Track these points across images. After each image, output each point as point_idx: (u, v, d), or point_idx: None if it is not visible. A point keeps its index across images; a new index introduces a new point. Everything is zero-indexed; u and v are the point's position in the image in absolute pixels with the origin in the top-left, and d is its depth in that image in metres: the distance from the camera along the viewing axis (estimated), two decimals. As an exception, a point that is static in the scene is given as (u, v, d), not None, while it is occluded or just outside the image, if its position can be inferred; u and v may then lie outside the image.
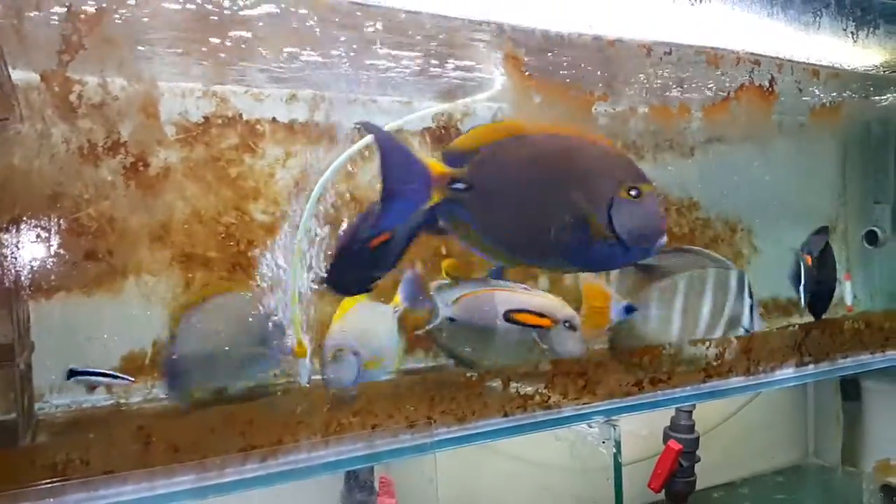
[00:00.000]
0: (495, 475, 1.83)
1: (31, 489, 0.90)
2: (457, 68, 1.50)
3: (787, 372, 1.56)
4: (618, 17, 1.36)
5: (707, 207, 2.06)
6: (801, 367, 1.58)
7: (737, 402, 2.25)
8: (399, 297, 1.39)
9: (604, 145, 1.18)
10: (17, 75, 1.18)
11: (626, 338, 1.50)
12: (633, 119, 1.74)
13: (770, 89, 1.63)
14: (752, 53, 1.56)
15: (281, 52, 1.33)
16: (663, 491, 1.88)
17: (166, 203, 1.41)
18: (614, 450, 1.31)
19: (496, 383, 1.27)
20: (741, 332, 1.54)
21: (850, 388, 2.39)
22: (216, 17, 1.18)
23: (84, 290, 1.36)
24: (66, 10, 1.08)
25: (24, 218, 1.19)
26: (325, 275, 1.34)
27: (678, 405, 1.84)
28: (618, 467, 1.33)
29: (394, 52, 1.39)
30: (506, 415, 1.22)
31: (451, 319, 1.41)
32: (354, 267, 1.28)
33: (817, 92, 1.91)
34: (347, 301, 1.32)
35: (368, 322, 1.31)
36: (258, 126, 1.51)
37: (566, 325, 1.38)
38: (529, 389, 1.26)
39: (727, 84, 1.65)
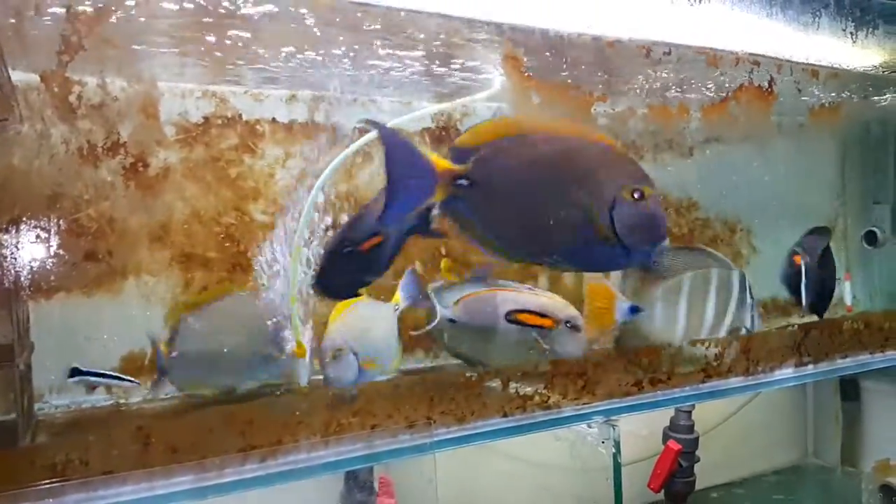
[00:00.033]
0: (495, 475, 1.83)
1: (30, 489, 0.90)
2: (456, 68, 1.50)
3: (787, 372, 1.56)
4: (617, 18, 1.36)
5: (706, 208, 2.06)
6: (801, 368, 1.58)
7: (736, 402, 2.25)
8: (399, 296, 1.39)
9: (608, 146, 1.18)
10: (17, 76, 1.18)
11: (631, 338, 1.50)
12: (633, 119, 1.74)
13: (769, 89, 1.63)
14: (751, 54, 1.56)
15: (280, 52, 1.33)
16: (663, 491, 1.88)
17: (166, 203, 1.41)
18: (614, 450, 1.31)
19: (495, 384, 1.27)
20: (742, 331, 1.54)
21: (850, 389, 2.39)
22: (215, 17, 1.18)
23: (84, 290, 1.36)
24: (65, 10, 1.08)
25: (24, 218, 1.19)
26: (315, 278, 1.32)
27: (677, 405, 1.84)
28: (617, 467, 1.33)
29: (393, 53, 1.39)
30: (505, 415, 1.22)
31: (452, 321, 1.41)
32: (345, 270, 1.28)
33: (816, 92, 1.91)
34: (344, 301, 1.31)
35: (368, 321, 1.31)
36: (258, 126, 1.52)
37: (568, 325, 1.38)
38: (529, 390, 1.26)
39: (726, 84, 1.66)
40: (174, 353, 1.26)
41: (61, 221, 1.26)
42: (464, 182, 1.14)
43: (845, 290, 2.26)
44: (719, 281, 1.52)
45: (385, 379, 1.30)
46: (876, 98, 2.11)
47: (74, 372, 1.25)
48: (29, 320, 1.25)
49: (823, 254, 1.78)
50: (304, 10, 1.18)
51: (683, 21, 1.42)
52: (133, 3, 1.11)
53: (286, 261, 1.38)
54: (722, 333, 1.51)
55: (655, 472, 1.86)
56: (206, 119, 1.46)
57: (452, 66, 1.49)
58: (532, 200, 1.15)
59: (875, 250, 2.36)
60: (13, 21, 1.09)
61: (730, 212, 2.11)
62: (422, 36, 1.32)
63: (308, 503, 1.49)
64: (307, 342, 1.33)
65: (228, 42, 1.27)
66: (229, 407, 1.12)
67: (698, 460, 1.89)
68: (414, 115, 1.67)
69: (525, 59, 1.37)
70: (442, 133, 1.69)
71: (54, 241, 1.24)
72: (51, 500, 0.90)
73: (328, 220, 1.41)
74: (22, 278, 1.18)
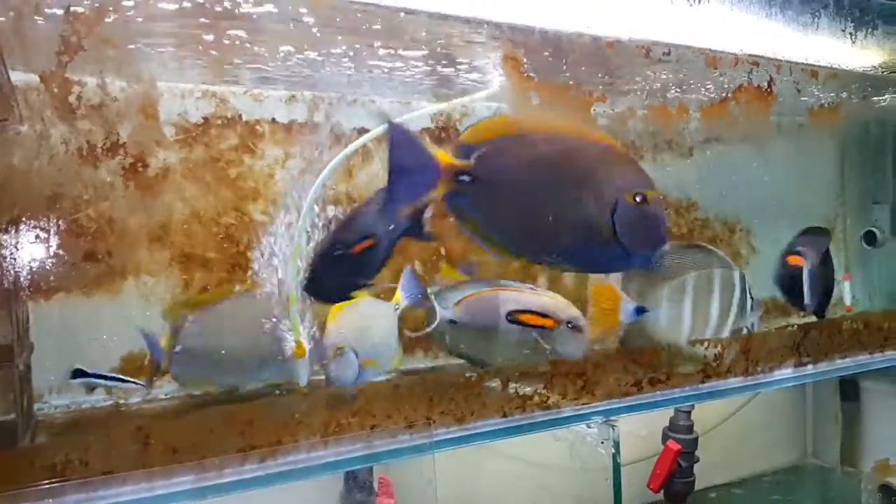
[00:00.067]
0: (494, 475, 1.83)
1: (30, 490, 0.90)
2: (456, 69, 1.51)
3: (786, 372, 1.56)
4: (616, 18, 1.36)
5: (705, 208, 2.06)
6: (800, 368, 1.58)
7: (736, 402, 2.25)
8: (399, 295, 1.39)
9: (611, 148, 1.18)
10: (17, 76, 1.18)
11: (636, 338, 1.50)
12: (632, 120, 1.74)
13: (768, 90, 1.63)
14: (750, 54, 1.56)
15: (278, 52, 1.33)
16: (662, 491, 1.88)
17: (165, 204, 1.41)
18: (613, 450, 1.31)
19: (495, 384, 1.27)
20: (743, 332, 1.54)
21: (849, 389, 2.39)
22: (214, 17, 1.18)
23: (83, 290, 1.36)
24: (64, 11, 1.08)
25: (24, 219, 1.19)
26: (305, 281, 1.29)
27: (677, 405, 1.84)
28: (617, 467, 1.33)
29: (393, 52, 1.39)
30: (505, 415, 1.22)
31: (453, 322, 1.41)
32: (336, 273, 1.26)
33: (816, 92, 1.91)
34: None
35: (368, 320, 1.31)
36: (258, 127, 1.52)
37: (569, 325, 1.38)
38: (528, 390, 1.26)
39: (726, 85, 1.66)
40: (177, 349, 1.26)
41: (61, 222, 1.26)
42: (466, 178, 1.14)
43: (845, 291, 2.26)
44: (722, 281, 1.52)
45: (385, 379, 1.31)
46: (875, 98, 2.11)
47: (77, 373, 1.25)
48: (28, 321, 1.25)
49: (819, 254, 1.78)
50: (303, 10, 1.19)
51: (683, 21, 1.42)
52: (132, 3, 1.11)
53: (286, 261, 1.37)
54: (725, 334, 1.51)
55: (655, 473, 1.87)
56: (206, 119, 1.46)
57: (453, 66, 1.49)
58: (534, 199, 1.16)
59: (874, 250, 2.36)
60: (13, 21, 1.09)
61: (729, 212, 2.11)
62: (421, 36, 1.32)
63: (308, 503, 1.49)
64: (306, 342, 1.33)
65: (227, 42, 1.27)
66: (229, 407, 1.12)
67: (698, 460, 1.90)
68: (413, 114, 1.67)
69: (524, 59, 1.37)
70: (441, 133, 1.69)
71: (54, 242, 1.24)
72: (50, 501, 0.90)
73: (328, 217, 1.41)
74: (21, 278, 1.18)
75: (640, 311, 1.43)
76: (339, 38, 1.29)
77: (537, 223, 1.16)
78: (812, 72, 1.70)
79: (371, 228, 1.28)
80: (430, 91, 1.66)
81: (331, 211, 1.39)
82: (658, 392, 1.38)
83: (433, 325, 1.40)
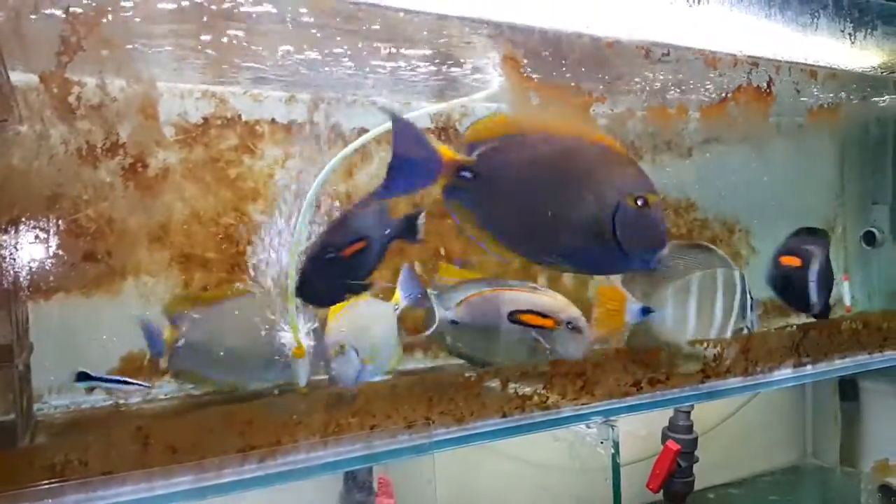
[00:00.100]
0: (494, 476, 1.83)
1: (29, 490, 0.90)
2: (455, 69, 1.51)
3: (786, 372, 1.56)
4: (616, 19, 1.36)
5: (705, 208, 2.06)
6: (800, 368, 1.58)
7: (735, 402, 2.25)
8: (399, 295, 1.39)
9: (613, 151, 1.18)
10: (16, 76, 1.18)
11: (640, 339, 1.49)
12: (631, 120, 1.74)
13: (767, 90, 1.63)
14: (749, 55, 1.56)
15: (277, 52, 1.33)
16: (662, 491, 1.88)
17: (165, 204, 1.41)
18: (612, 450, 1.31)
19: (494, 384, 1.27)
20: (744, 331, 1.54)
21: (849, 389, 2.39)
22: (213, 17, 1.18)
23: (83, 291, 1.36)
24: (64, 11, 1.08)
25: (23, 219, 1.19)
26: (297, 284, 1.27)
27: (676, 405, 1.84)
28: (616, 468, 1.33)
29: (393, 52, 1.39)
30: (504, 415, 1.22)
31: (454, 322, 1.41)
32: (328, 276, 1.25)
33: (815, 93, 1.91)
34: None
35: (368, 319, 1.31)
36: (257, 127, 1.52)
37: (569, 325, 1.38)
38: (528, 390, 1.26)
39: (725, 85, 1.66)
40: (180, 343, 1.26)
41: (60, 222, 1.26)
42: (467, 174, 1.15)
43: (844, 291, 2.26)
44: (725, 281, 1.52)
45: (384, 379, 1.31)
46: (875, 99, 2.11)
47: (81, 377, 1.24)
48: (28, 321, 1.25)
49: (823, 255, 1.78)
50: (303, 10, 1.19)
51: (682, 22, 1.42)
52: (131, 3, 1.11)
53: (286, 261, 1.37)
54: (728, 334, 1.51)
55: (654, 473, 1.87)
56: (206, 119, 1.46)
57: (453, 66, 1.49)
58: (534, 198, 1.16)
59: (874, 251, 2.36)
60: (12, 21, 1.09)
61: (728, 212, 2.11)
62: (421, 36, 1.32)
63: (307, 503, 1.49)
64: (306, 342, 1.32)
65: (225, 41, 1.27)
66: (228, 407, 1.12)
67: (697, 460, 1.90)
68: (413, 115, 1.67)
69: (524, 60, 1.37)
70: (441, 133, 1.69)
71: (53, 242, 1.24)
72: (50, 501, 0.90)
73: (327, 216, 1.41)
74: (21, 279, 1.18)
75: (646, 311, 1.42)
76: (339, 38, 1.29)
77: (537, 223, 1.16)
78: (811, 72, 1.70)
79: (363, 231, 1.27)
80: (431, 91, 1.67)
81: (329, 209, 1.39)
82: (658, 392, 1.38)
83: (433, 328, 1.40)
